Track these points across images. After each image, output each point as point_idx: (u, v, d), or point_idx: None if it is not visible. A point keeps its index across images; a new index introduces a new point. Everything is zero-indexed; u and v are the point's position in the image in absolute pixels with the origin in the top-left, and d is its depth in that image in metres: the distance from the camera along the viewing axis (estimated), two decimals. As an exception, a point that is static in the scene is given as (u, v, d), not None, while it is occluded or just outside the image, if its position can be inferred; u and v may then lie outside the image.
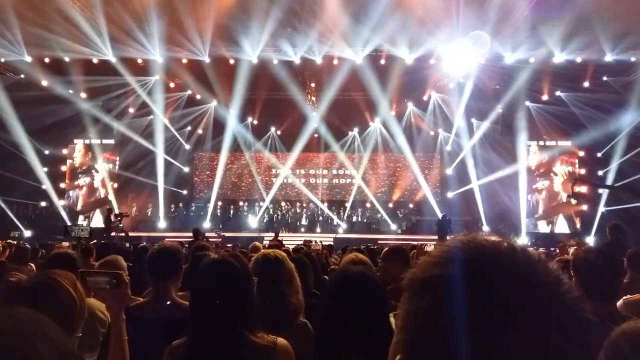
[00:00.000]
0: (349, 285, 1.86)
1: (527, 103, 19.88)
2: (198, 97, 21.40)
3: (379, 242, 15.10)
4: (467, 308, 0.60)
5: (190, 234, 11.93)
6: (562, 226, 19.80)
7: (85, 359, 2.36)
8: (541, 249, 10.34)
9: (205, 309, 1.82)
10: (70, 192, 21.24)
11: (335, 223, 21.13)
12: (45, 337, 0.66)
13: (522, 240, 18.11)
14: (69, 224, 17.36)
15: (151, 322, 2.44)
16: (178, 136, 22.12)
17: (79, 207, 20.78)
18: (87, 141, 21.39)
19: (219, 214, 21.54)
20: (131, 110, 20.83)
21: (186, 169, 23.28)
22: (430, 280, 0.66)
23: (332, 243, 14.43)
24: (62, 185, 21.18)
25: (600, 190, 18.20)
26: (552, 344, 0.59)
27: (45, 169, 19.78)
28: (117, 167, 21.42)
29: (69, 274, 1.90)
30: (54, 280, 1.80)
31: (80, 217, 20.69)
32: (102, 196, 21.23)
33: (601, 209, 18.15)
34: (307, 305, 2.64)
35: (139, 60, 18.33)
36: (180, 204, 21.81)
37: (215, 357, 1.80)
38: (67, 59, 17.87)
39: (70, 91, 19.65)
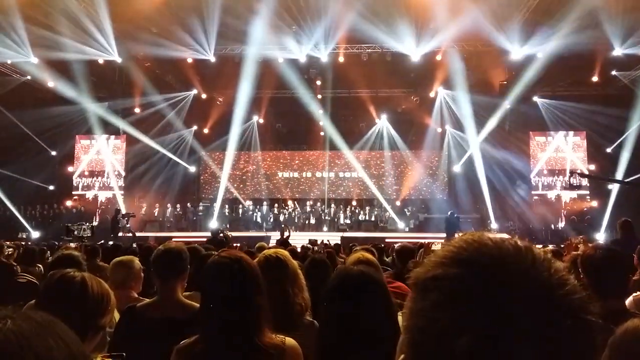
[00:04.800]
0: (349, 285, 1.86)
1: (535, 98, 19.79)
2: (204, 96, 21.48)
3: (386, 240, 15.09)
4: (470, 308, 0.60)
5: (197, 234, 11.96)
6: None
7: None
8: (550, 246, 10.27)
9: (213, 309, 1.82)
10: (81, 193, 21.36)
11: (342, 221, 21.12)
12: (60, 339, 0.68)
13: (531, 237, 18.04)
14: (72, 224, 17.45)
15: (157, 322, 2.44)
16: (184, 136, 22.21)
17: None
18: (93, 142, 21.51)
19: (226, 213, 21.60)
20: (137, 110, 20.92)
21: (192, 169, 23.37)
22: (434, 280, 0.66)
23: (339, 242, 14.44)
24: (69, 185, 21.33)
25: (610, 186, 18.12)
26: (556, 345, 0.58)
27: (52, 170, 19.92)
28: (123, 167, 21.51)
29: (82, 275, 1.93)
30: (84, 277, 1.85)
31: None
32: (109, 197, 21.35)
33: (611, 205, 18.03)
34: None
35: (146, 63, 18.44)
36: (188, 204, 21.90)
37: (224, 358, 1.80)
38: (72, 60, 18.00)
39: (76, 92, 19.80)
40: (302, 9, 15.27)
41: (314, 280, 2.68)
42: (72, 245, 8.10)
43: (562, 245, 10.30)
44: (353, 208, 22.02)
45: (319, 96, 21.18)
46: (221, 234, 10.66)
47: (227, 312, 1.80)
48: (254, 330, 1.81)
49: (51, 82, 18.71)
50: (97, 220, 19.64)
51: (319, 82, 20.47)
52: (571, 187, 12.43)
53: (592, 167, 20.01)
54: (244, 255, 1.99)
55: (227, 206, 22.12)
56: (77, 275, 1.85)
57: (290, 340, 1.91)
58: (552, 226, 19.28)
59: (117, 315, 2.72)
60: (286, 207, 22.11)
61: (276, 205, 22.03)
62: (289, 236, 13.25)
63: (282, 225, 17.83)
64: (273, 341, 1.84)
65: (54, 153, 20.76)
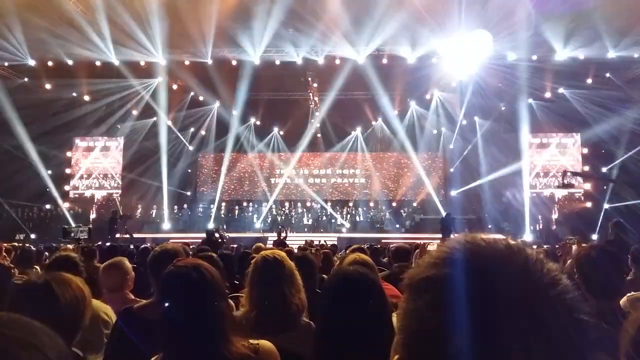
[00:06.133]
0: (345, 285, 1.86)
1: (530, 100, 19.84)
2: (201, 98, 21.45)
3: (382, 241, 15.08)
4: (464, 309, 0.60)
5: (194, 235, 11.92)
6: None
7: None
8: (545, 246, 10.30)
9: (173, 321, 1.72)
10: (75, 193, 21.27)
11: (338, 223, 21.11)
12: (31, 348, 0.65)
13: (526, 237, 18.08)
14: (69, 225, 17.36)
15: (154, 323, 2.44)
16: (181, 137, 22.17)
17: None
18: (91, 143, 21.45)
19: (222, 214, 21.56)
20: (134, 112, 20.88)
21: (190, 170, 23.32)
22: (428, 281, 0.66)
23: (335, 243, 14.43)
24: (67, 187, 21.24)
25: (605, 187, 18.19)
26: (549, 345, 0.59)
27: (50, 172, 19.82)
28: (121, 168, 21.44)
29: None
30: (58, 279, 1.80)
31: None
32: (106, 196, 21.28)
33: (605, 206, 18.09)
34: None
35: (142, 63, 18.38)
36: (185, 205, 21.86)
37: None
38: (70, 62, 17.98)
39: (74, 94, 19.78)
40: (300, 12, 15.24)
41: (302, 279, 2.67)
42: (70, 246, 8.08)
43: (556, 246, 10.33)
44: (349, 209, 22.02)
45: (316, 98, 21.18)
46: (217, 234, 10.63)
47: (189, 323, 1.68)
48: (220, 340, 1.70)
49: (48, 84, 18.67)
50: (94, 215, 19.57)
51: (315, 85, 20.45)
52: (564, 186, 12.48)
53: (586, 168, 20.06)
54: (202, 262, 1.89)
55: (223, 207, 22.08)
56: (38, 282, 1.78)
57: (264, 344, 1.83)
58: (546, 227, 19.32)
59: (113, 317, 2.73)
60: (283, 208, 22.10)
61: (273, 206, 22.01)
62: (285, 237, 13.24)
63: (279, 227, 17.81)
64: (242, 351, 1.73)
65: (51, 155, 20.64)
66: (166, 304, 1.75)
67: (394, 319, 1.65)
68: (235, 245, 11.52)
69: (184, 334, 1.67)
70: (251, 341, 1.81)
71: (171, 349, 1.70)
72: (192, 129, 22.72)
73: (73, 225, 16.65)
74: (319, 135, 22.66)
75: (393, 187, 23.75)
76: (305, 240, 12.40)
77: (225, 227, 19.78)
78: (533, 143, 20.64)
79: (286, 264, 2.51)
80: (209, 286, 1.75)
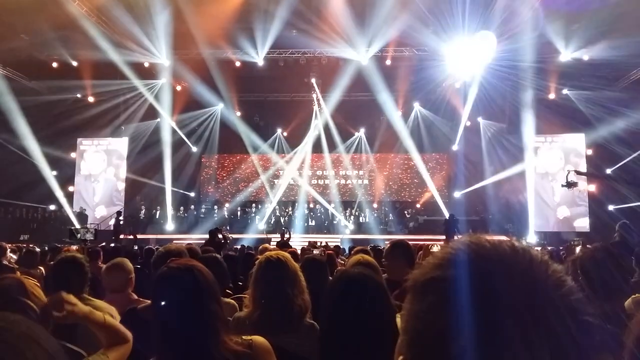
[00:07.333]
0: (349, 286, 1.86)
1: (534, 102, 19.77)
2: (204, 99, 21.49)
3: (386, 242, 15.05)
4: (468, 310, 0.60)
5: (198, 236, 11.93)
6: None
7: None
8: (549, 248, 10.30)
9: (166, 324, 1.69)
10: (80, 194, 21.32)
11: (342, 224, 21.10)
12: (34, 342, 0.66)
13: (530, 239, 18.03)
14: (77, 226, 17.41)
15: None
16: (185, 138, 22.21)
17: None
18: (95, 144, 21.49)
19: (225, 215, 21.58)
20: (138, 113, 20.92)
21: (193, 171, 23.37)
22: (432, 282, 0.66)
23: (339, 244, 14.43)
24: (71, 188, 21.27)
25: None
26: (554, 346, 0.58)
27: (54, 173, 19.88)
28: (125, 170, 21.47)
29: (16, 279, 1.78)
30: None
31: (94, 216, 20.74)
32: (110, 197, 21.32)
33: (609, 207, 18.02)
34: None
35: (146, 64, 18.44)
36: (192, 206, 21.90)
37: None
38: (74, 64, 18.04)
39: (78, 95, 19.84)
40: (303, 13, 15.25)
41: (312, 281, 2.68)
42: (74, 247, 8.11)
43: (560, 247, 10.32)
44: (353, 210, 22.00)
45: (319, 99, 21.19)
46: (220, 235, 10.63)
47: (180, 324, 1.67)
48: (212, 340, 1.68)
49: (53, 85, 18.74)
50: (99, 220, 19.65)
51: (318, 85, 20.46)
52: (568, 185, 12.47)
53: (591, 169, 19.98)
54: (196, 262, 1.86)
55: (226, 208, 22.11)
56: None
57: (257, 340, 1.82)
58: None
59: (118, 318, 2.73)
60: (286, 209, 22.11)
61: (276, 207, 22.02)
62: (289, 238, 13.24)
63: (283, 228, 17.84)
64: (235, 348, 1.72)
65: (55, 156, 20.69)
66: (157, 305, 1.73)
67: (398, 319, 1.65)
68: (238, 247, 11.56)
69: (176, 335, 1.66)
70: (244, 337, 1.80)
71: (164, 350, 1.69)
72: (195, 130, 22.75)
73: (78, 226, 16.78)
74: (322, 136, 22.65)
75: (397, 188, 23.73)
76: (309, 242, 12.40)
77: (228, 228, 19.79)
78: (537, 142, 20.52)
79: (290, 264, 2.51)
80: (200, 287, 1.72)
